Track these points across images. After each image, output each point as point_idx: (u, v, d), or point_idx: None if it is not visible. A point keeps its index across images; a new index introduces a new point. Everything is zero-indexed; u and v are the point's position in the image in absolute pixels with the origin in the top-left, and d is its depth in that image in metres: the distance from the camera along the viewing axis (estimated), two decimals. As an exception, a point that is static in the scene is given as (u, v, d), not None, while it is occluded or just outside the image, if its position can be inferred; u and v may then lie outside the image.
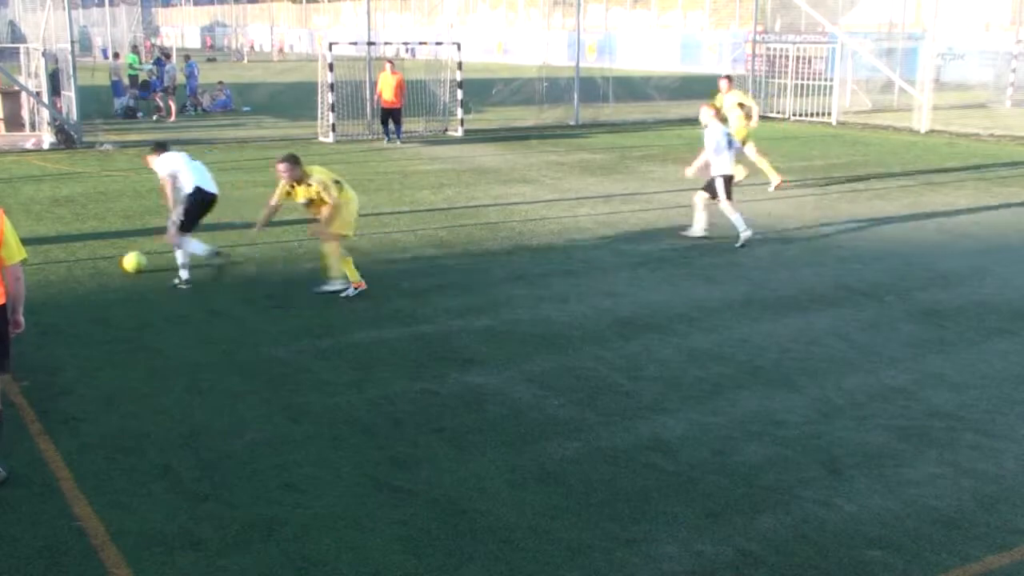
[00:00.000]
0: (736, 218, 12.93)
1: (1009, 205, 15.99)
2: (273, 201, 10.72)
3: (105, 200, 16.10)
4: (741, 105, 16.82)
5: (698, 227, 13.40)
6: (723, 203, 12.98)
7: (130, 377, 8.15)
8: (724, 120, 13.93)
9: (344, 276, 10.67)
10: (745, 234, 12.91)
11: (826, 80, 29.72)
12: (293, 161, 10.42)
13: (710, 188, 13.02)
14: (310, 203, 10.56)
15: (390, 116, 23.45)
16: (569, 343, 9.06)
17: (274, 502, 6.02)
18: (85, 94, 25.03)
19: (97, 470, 6.42)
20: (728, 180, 12.95)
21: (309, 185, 10.37)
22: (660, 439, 6.95)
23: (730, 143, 13.00)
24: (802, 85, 29.85)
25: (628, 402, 7.65)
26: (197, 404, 7.58)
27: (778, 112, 30.32)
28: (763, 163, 16.87)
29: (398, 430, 7.10)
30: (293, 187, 10.46)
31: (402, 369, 8.35)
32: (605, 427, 7.17)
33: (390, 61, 23.67)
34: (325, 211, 10.45)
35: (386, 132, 23.54)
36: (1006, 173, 19.52)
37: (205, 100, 32.43)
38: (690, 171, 13.27)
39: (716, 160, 12.83)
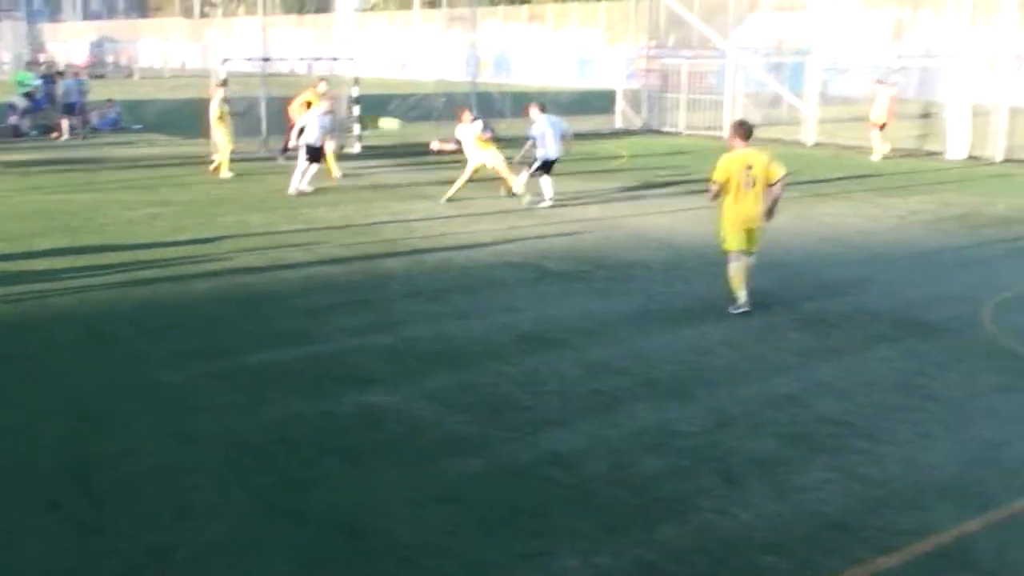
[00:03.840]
0: (520, 181, 16.93)
1: (890, 215, 16.55)
2: None
3: (-12, 222, 15.57)
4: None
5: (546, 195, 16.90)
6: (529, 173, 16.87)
7: (15, 406, 7.88)
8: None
9: None
10: (526, 199, 16.75)
11: (718, 94, 30.37)
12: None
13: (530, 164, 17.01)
14: None
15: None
16: (469, 359, 9.07)
17: (167, 529, 5.89)
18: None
19: (-21, 504, 6.20)
20: (548, 163, 16.75)
21: None
22: (559, 453, 7.00)
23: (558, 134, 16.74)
24: (695, 99, 30.48)
25: (528, 417, 7.68)
26: (86, 432, 7.36)
27: (672, 126, 30.90)
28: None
29: (294, 452, 7.01)
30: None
31: (298, 390, 8.24)
32: (505, 443, 7.19)
33: (323, 79, 23.19)
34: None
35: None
36: (887, 184, 20.21)
37: (94, 118, 31.59)
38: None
39: (541, 145, 16.64)
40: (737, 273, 10.52)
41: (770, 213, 10.53)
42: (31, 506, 6.20)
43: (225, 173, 20.58)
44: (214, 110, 20.52)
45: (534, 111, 16.99)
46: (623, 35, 56.47)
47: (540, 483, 6.54)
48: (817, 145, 27.17)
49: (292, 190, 17.92)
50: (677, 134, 30.29)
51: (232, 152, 20.77)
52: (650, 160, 24.12)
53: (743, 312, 10.41)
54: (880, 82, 25.06)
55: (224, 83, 21.12)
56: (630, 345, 9.50)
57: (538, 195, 16.99)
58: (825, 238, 14.61)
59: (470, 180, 17.33)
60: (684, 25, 33.74)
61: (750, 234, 10.48)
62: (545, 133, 16.62)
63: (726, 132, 28.13)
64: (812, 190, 19.14)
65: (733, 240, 10.47)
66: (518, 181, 17.04)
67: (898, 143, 25.55)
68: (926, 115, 26.52)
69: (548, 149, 16.66)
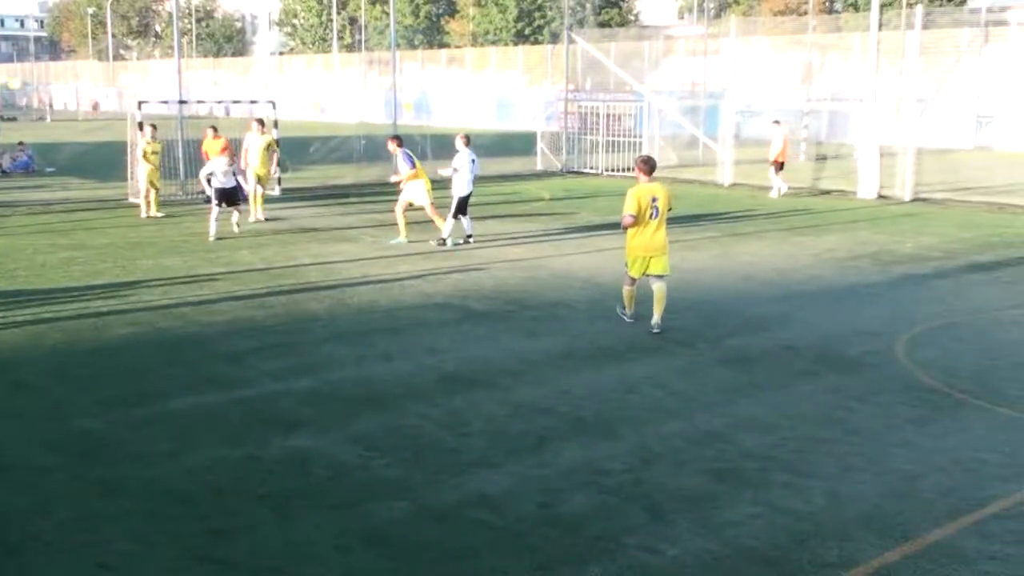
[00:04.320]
0: (448, 227, 17.06)
1: (806, 253, 16.93)
2: None
3: None
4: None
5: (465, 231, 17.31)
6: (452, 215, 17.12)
7: (-76, 457, 7.62)
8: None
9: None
10: (449, 240, 17.06)
11: (635, 137, 30.87)
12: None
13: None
14: None
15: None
16: (394, 401, 9.01)
17: (87, 583, 5.72)
18: None
19: None
20: (464, 201, 17.03)
21: None
22: (487, 495, 6.98)
23: (474, 171, 17.21)
24: (613, 142, 30.92)
25: (454, 458, 7.65)
26: (2, 484, 7.13)
27: (591, 168, 31.28)
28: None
29: (218, 499, 6.88)
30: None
31: (222, 436, 8.10)
32: (432, 485, 7.14)
33: (213, 127, 23.11)
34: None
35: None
36: (802, 223, 20.70)
37: (5, 161, 30.91)
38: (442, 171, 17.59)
39: (457, 179, 16.98)
40: (630, 295, 11.84)
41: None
42: (-58, 561, 5.99)
43: (156, 212, 20.72)
44: (140, 151, 20.42)
45: (459, 142, 17.30)
46: (541, 78, 57.22)
47: (468, 525, 6.51)
48: (733, 185, 27.73)
49: (211, 236, 17.68)
50: (597, 175, 30.66)
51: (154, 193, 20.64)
52: (571, 201, 24.37)
53: (668, 352, 10.59)
54: (776, 123, 26.12)
55: (153, 126, 21.02)
56: (556, 384, 9.54)
57: (460, 237, 17.28)
58: (745, 276, 14.89)
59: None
60: (601, 69, 34.31)
61: (654, 261, 11.40)
62: (464, 167, 16.99)
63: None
64: (730, 229, 19.52)
65: (635, 267, 11.51)
66: (445, 227, 17.12)
67: (811, 183, 26.24)
68: (822, 157, 27.50)
69: (461, 185, 16.98)
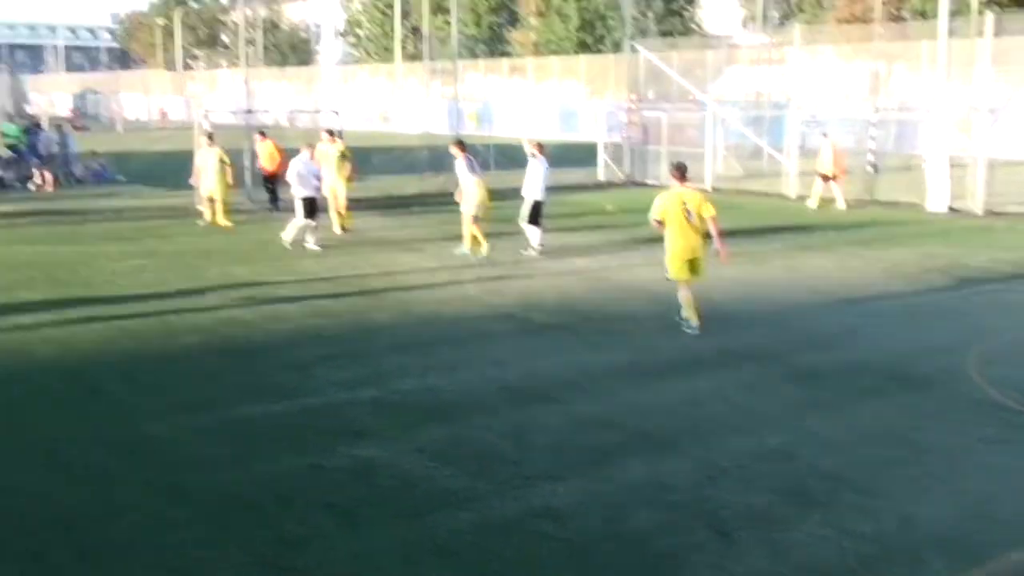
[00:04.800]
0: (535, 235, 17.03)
1: (874, 267, 16.67)
2: None
3: (-29, 274, 15.48)
4: None
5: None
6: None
7: (2, 459, 7.79)
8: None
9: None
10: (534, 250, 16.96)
11: (699, 147, 30.64)
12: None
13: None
14: None
15: (267, 183, 23.30)
16: (458, 412, 9.04)
17: (158, 588, 5.82)
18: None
19: (-34, 561, 6.11)
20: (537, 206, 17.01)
21: None
22: (551, 507, 6.96)
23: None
24: (676, 152, 30.67)
25: (518, 471, 7.65)
26: (72, 487, 7.29)
27: (654, 179, 31.11)
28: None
29: (286, 507, 6.95)
30: None
31: (288, 444, 8.19)
32: (496, 497, 7.15)
33: (260, 131, 23.51)
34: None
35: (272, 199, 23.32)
36: (869, 236, 20.37)
37: (79, 170, 31.59)
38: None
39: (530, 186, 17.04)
40: (687, 299, 11.80)
41: (719, 244, 11.85)
42: (14, 557, 6.12)
43: (224, 221, 21.01)
44: (214, 161, 20.67)
45: (530, 148, 17.43)
46: (603, 88, 57.08)
47: (533, 537, 6.51)
48: (799, 197, 27.40)
49: (288, 240, 17.81)
50: (660, 186, 30.46)
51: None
52: (635, 212, 24.24)
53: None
54: (824, 135, 26.16)
55: (209, 135, 21.38)
56: (620, 398, 9.49)
57: (526, 247, 17.26)
58: (812, 290, 14.68)
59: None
60: (663, 78, 34.13)
61: (693, 264, 11.73)
62: (537, 174, 17.12)
63: (708, 184, 28.56)
64: (797, 242, 19.29)
65: (677, 270, 11.80)
66: (532, 235, 17.11)
67: (871, 195, 25.88)
68: (875, 167, 27.23)
69: (534, 192, 17.07)
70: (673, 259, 11.76)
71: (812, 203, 25.33)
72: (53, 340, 11.39)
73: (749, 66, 43.75)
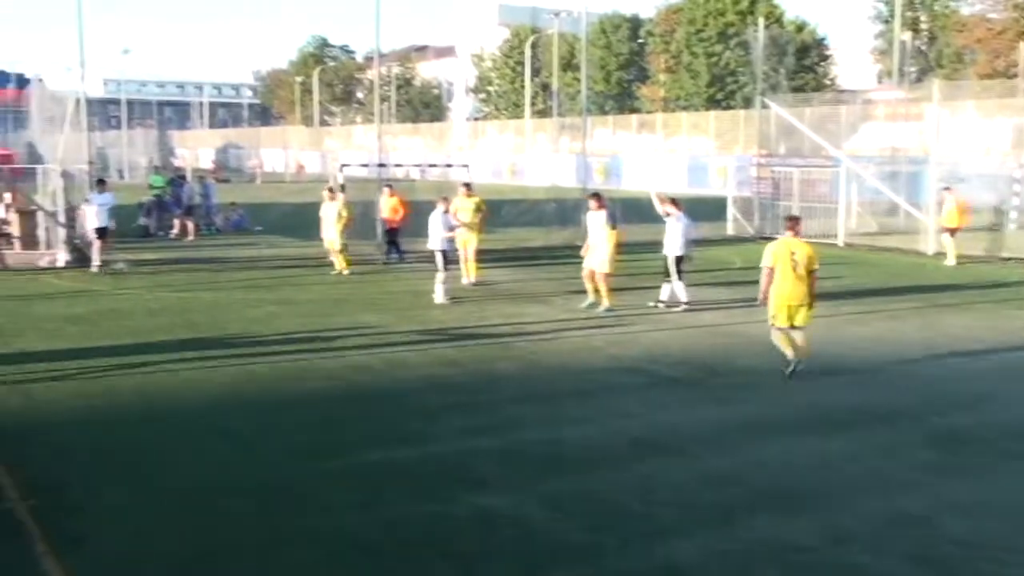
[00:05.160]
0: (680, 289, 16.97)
1: (1017, 327, 15.95)
2: None
3: (117, 318, 16.16)
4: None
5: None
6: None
7: (137, 496, 8.07)
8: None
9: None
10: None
11: (831, 202, 30.02)
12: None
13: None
14: None
15: (389, 235, 23.90)
16: (582, 464, 8.97)
17: (281, 628, 5.89)
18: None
19: (101, 593, 6.31)
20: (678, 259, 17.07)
21: None
22: (676, 565, 6.82)
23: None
24: (808, 207, 30.13)
25: (643, 526, 7.53)
26: (204, 525, 7.47)
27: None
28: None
29: (406, 554, 6.98)
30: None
31: (411, 491, 8.25)
32: (619, 552, 7.04)
33: (388, 184, 24.19)
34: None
35: (388, 251, 23.88)
36: (1011, 295, 19.55)
37: (219, 220, 32.89)
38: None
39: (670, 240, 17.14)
40: (780, 338, 12.28)
41: (812, 296, 12.19)
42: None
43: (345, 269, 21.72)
44: (335, 213, 21.47)
45: (667, 207, 17.56)
46: (732, 143, 56.66)
47: (656, 595, 6.37)
48: (938, 254, 26.54)
49: (439, 299, 17.77)
50: (790, 242, 29.92)
51: (350, 254, 21.63)
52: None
53: (866, 427, 10.16)
54: (946, 189, 26.04)
55: (331, 189, 22.25)
56: (747, 455, 9.27)
57: (655, 300, 17.35)
58: (951, 350, 14.12)
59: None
60: (795, 134, 33.66)
61: (793, 311, 12.08)
62: (675, 229, 17.18)
63: (840, 240, 27.96)
64: (934, 300, 18.65)
65: (780, 317, 12.15)
66: (678, 289, 16.99)
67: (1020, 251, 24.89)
68: (997, 227, 26.79)
69: (673, 247, 17.13)
70: (779, 305, 12.09)
71: (950, 261, 24.62)
72: (189, 382, 11.77)
73: (885, 122, 42.85)
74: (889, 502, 8.07)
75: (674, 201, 17.52)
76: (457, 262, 19.67)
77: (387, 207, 23.64)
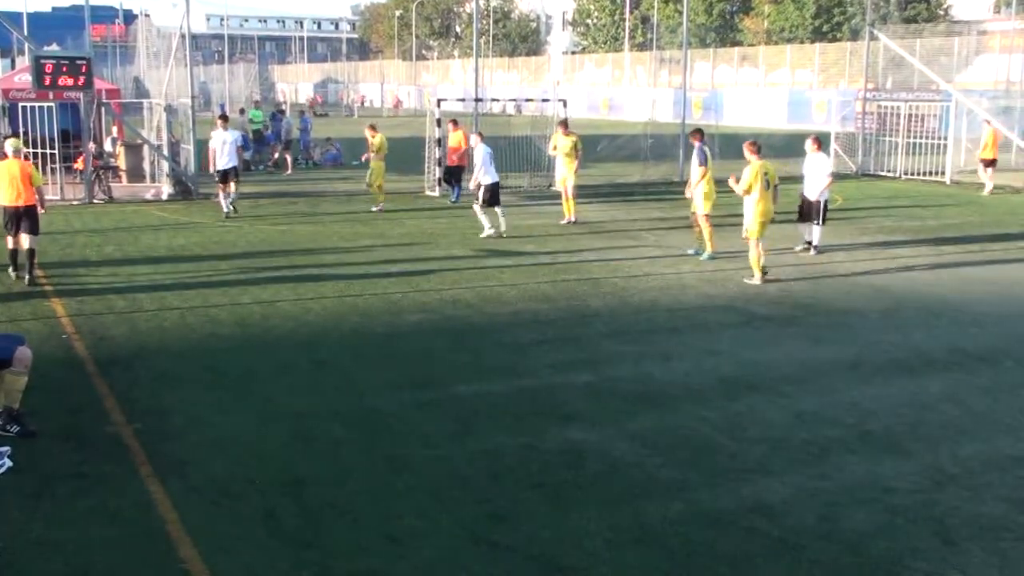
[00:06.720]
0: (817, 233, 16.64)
1: None
2: None
3: (218, 249, 16.56)
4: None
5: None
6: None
7: (237, 423, 8.32)
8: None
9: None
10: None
11: (939, 138, 29.04)
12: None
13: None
14: None
15: (448, 173, 23.70)
16: (671, 401, 8.95)
17: (374, 553, 6.05)
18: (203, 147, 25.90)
19: (203, 514, 6.55)
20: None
21: None
22: (764, 503, 6.79)
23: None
24: (914, 143, 29.22)
25: (731, 463, 7.50)
26: (301, 452, 7.69)
27: (889, 171, 29.75)
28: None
29: (497, 484, 7.09)
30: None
31: (503, 423, 8.34)
32: (707, 488, 7.04)
33: (452, 121, 23.77)
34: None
35: (453, 189, 23.54)
36: None
37: (316, 154, 33.32)
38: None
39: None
40: (759, 256, 14.00)
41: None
42: (249, 516, 6.51)
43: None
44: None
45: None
46: (837, 77, 55.02)
47: (743, 532, 6.36)
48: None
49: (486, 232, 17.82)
50: (894, 178, 29.14)
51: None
52: (866, 206, 23.28)
53: (968, 368, 9.91)
54: (986, 121, 26.87)
55: (372, 127, 22.61)
56: (842, 395, 9.14)
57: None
58: (1058, 291, 13.67)
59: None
60: (904, 67, 32.54)
61: (766, 226, 14.01)
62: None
63: (947, 178, 27.13)
64: (1043, 240, 18.01)
65: (759, 230, 13.89)
66: (815, 233, 16.52)
67: None
68: None
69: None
70: (761, 221, 13.83)
71: (987, 191, 25.76)
72: (288, 315, 12.03)
73: (1000, 54, 41.14)
74: (990, 445, 7.90)
75: (818, 141, 17.22)
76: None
77: (453, 141, 23.41)
